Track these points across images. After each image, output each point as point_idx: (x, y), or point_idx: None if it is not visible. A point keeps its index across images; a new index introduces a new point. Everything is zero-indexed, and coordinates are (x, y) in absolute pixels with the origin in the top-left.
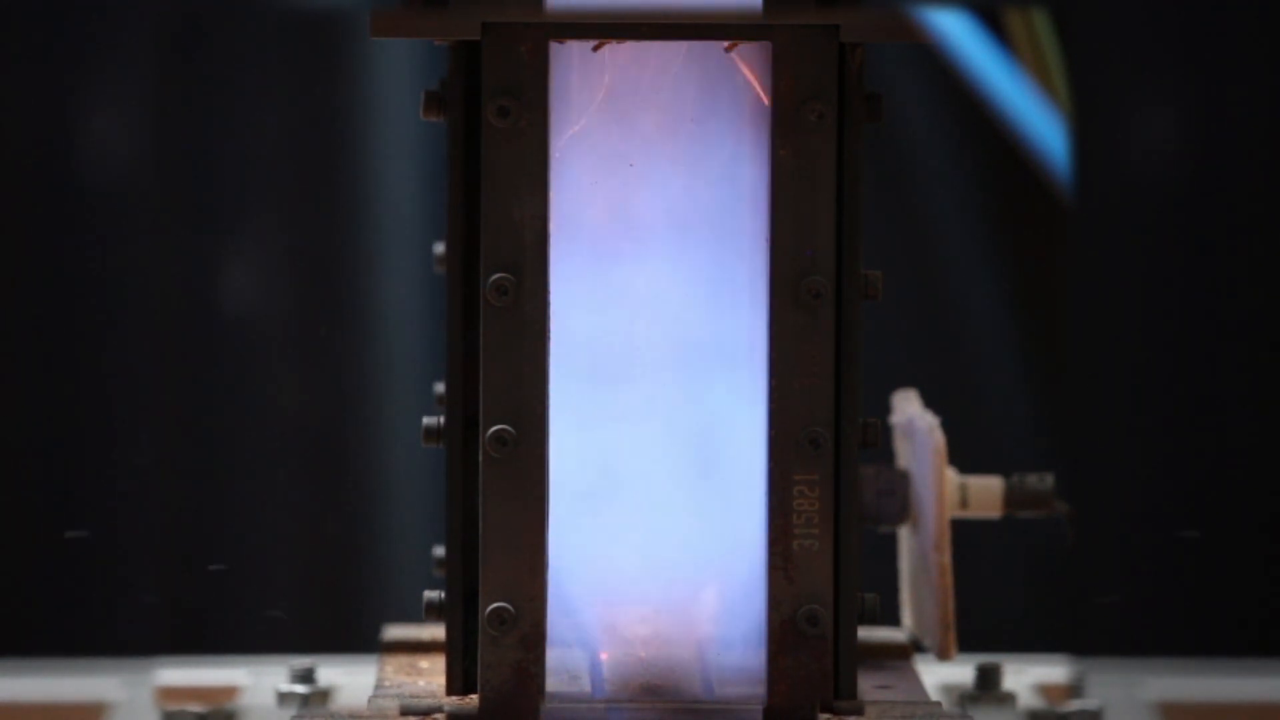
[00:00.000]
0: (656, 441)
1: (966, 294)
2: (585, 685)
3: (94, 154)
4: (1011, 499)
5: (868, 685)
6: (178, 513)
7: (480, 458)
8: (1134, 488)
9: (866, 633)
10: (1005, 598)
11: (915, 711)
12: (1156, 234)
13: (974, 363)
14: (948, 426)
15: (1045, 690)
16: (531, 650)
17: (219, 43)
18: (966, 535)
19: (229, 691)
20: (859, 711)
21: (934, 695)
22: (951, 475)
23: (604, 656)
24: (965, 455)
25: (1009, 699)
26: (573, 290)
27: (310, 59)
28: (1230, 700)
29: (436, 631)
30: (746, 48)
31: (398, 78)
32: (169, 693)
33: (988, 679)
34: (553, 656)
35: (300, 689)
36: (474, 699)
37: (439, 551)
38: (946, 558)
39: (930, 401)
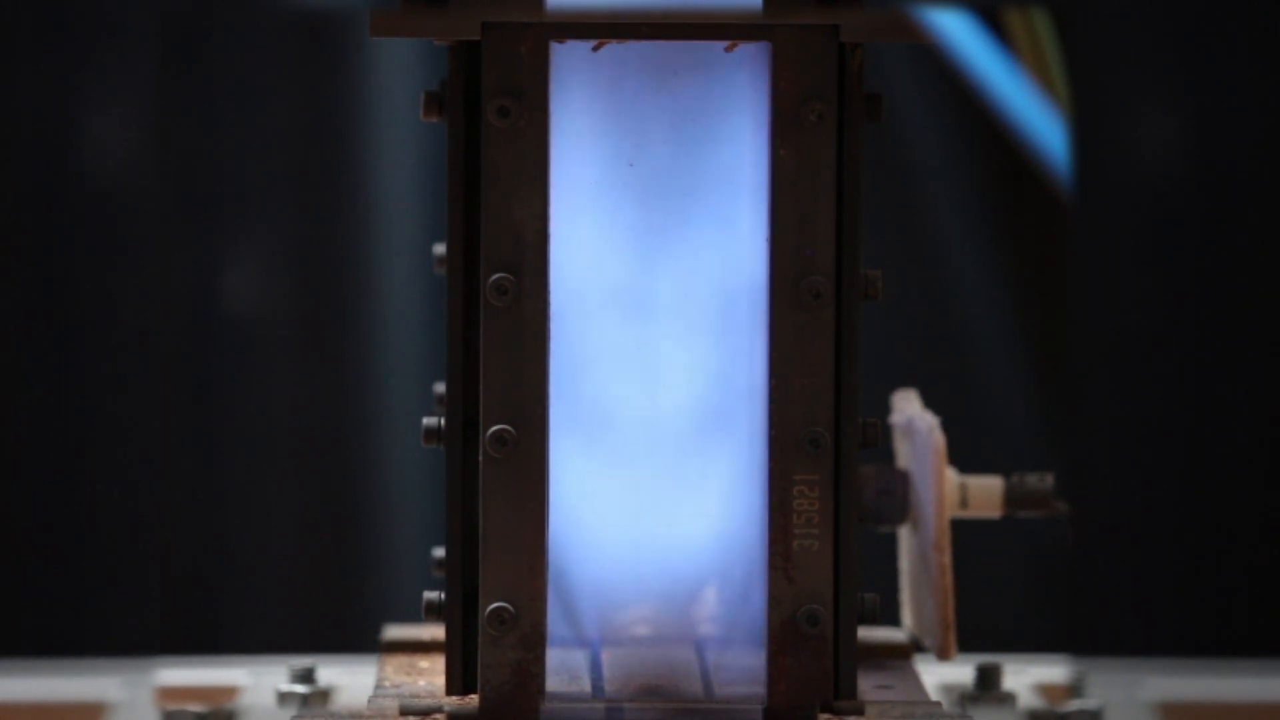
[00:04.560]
0: (657, 440)
1: (966, 294)
2: (585, 685)
3: (94, 154)
4: (1011, 499)
5: (868, 685)
6: (178, 513)
7: (480, 458)
8: (1134, 488)
9: (866, 633)
10: (1005, 598)
11: (915, 711)
12: (1156, 233)
13: (974, 363)
14: (948, 426)
15: (1045, 690)
16: (531, 650)
17: (219, 43)
18: (966, 535)
19: (229, 691)
20: (859, 711)
21: (934, 695)
22: (951, 475)
23: (604, 656)
24: (965, 455)
25: (1009, 699)
26: (572, 292)
27: (310, 59)
28: (1230, 700)
29: (436, 631)
30: (746, 47)
31: (398, 78)
32: (169, 693)
33: (988, 679)
34: (553, 656)
35: (300, 689)
36: (474, 699)
37: (439, 552)
38: (946, 558)
39: (930, 401)
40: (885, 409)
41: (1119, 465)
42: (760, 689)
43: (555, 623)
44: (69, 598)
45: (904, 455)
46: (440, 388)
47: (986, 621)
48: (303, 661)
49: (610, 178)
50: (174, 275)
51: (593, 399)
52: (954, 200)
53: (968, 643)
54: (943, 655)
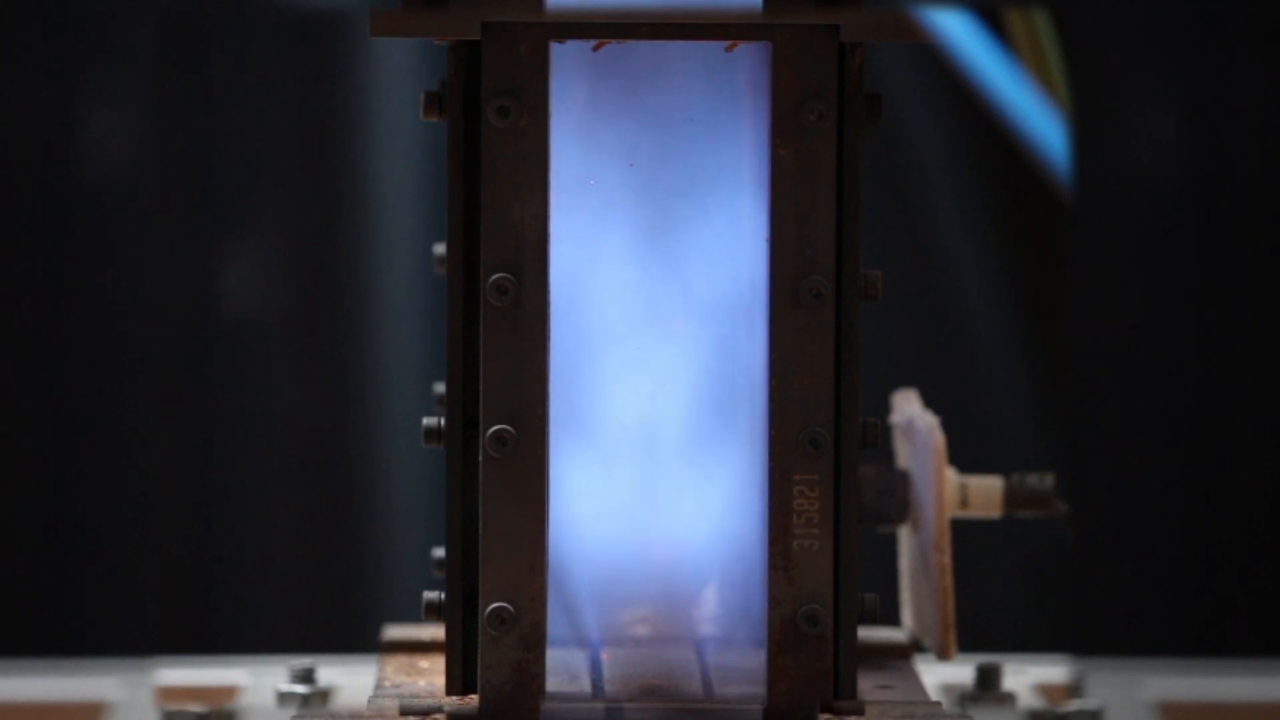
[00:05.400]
0: (657, 439)
1: (966, 294)
2: (585, 685)
3: (94, 153)
4: (1011, 499)
5: (868, 685)
6: (178, 512)
7: (480, 458)
8: (1134, 488)
9: (866, 633)
10: (1005, 598)
11: (915, 711)
12: (1156, 233)
13: (974, 363)
14: (948, 426)
15: (1045, 690)
16: (531, 650)
17: (219, 43)
18: (966, 535)
19: (229, 691)
20: (859, 711)
21: (934, 695)
22: (951, 475)
23: (604, 656)
24: (965, 455)
25: (1009, 699)
26: (571, 292)
27: (310, 59)
28: (1230, 700)
29: (436, 631)
30: (746, 47)
31: (398, 78)
32: (169, 693)
33: (988, 679)
34: (553, 656)
35: (300, 689)
36: (474, 699)
37: (439, 552)
38: (946, 558)
39: (930, 401)
40: (885, 409)
41: (1119, 465)
42: (760, 689)
43: (555, 623)
44: (69, 598)
45: (904, 455)
46: (440, 388)
47: (986, 621)
48: (303, 661)
49: (610, 178)
50: (174, 275)
51: (593, 399)
52: (954, 200)
53: (968, 643)
54: (943, 655)
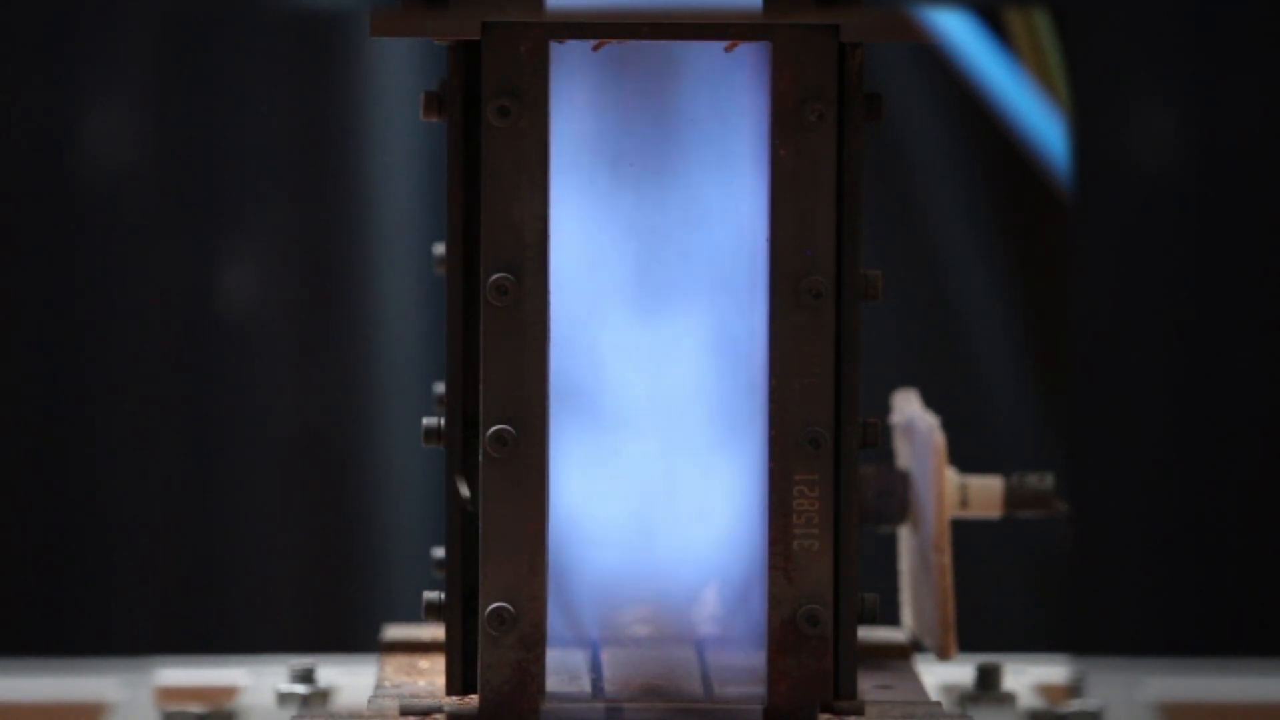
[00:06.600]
0: (657, 440)
1: (966, 294)
2: (585, 685)
3: (93, 153)
4: (1011, 499)
5: (868, 685)
6: (178, 513)
7: (480, 458)
8: (1134, 488)
9: (866, 633)
10: (1005, 598)
11: (915, 711)
12: (1156, 233)
13: (974, 363)
14: (948, 426)
15: (1045, 690)
16: (531, 650)
17: (219, 43)
18: (966, 535)
19: (229, 691)
20: (859, 711)
21: (934, 695)
22: (951, 475)
23: (604, 656)
24: (965, 455)
25: (1009, 699)
26: (572, 288)
27: (310, 59)
28: (1230, 700)
29: (436, 631)
30: (746, 47)
31: (398, 78)
32: (169, 693)
33: (988, 679)
34: (553, 656)
35: (300, 689)
36: (474, 699)
37: (439, 552)
38: (946, 558)
39: (930, 401)
40: (885, 409)
41: (1119, 465)
42: (760, 689)
43: (555, 623)
44: (69, 598)
45: (904, 455)
46: (440, 388)
47: (986, 621)
48: (303, 661)
49: (610, 178)
50: (174, 275)
51: (593, 399)
52: (954, 200)
53: (968, 643)
54: (943, 655)
